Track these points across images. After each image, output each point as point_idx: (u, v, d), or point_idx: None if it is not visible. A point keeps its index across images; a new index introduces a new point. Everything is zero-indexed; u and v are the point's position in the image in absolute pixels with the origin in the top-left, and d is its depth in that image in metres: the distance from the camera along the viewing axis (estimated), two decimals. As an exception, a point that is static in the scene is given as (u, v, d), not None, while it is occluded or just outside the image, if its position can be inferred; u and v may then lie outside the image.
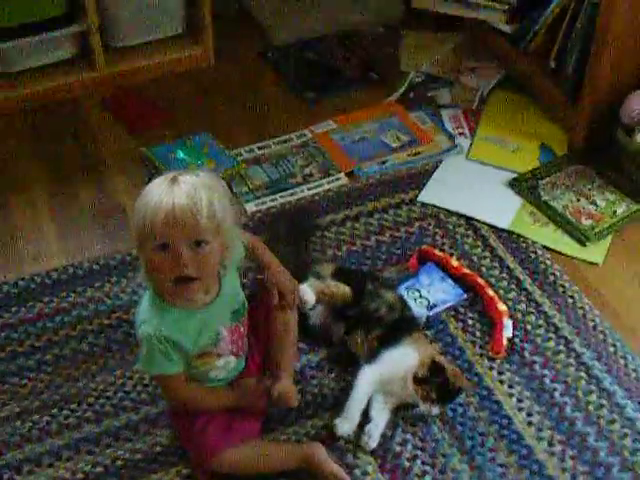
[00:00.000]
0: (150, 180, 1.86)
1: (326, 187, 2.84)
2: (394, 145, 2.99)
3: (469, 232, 2.66)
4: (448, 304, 2.42)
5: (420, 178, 2.86)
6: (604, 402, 2.21)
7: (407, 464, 2.08)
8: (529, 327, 2.39)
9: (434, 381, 2.12)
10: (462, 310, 2.43)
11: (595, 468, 2.07)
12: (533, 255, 2.59)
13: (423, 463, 2.08)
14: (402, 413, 2.17)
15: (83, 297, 2.48)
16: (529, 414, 2.18)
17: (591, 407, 2.20)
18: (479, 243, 2.62)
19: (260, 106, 3.18)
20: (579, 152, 2.90)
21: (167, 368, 1.93)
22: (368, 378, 2.16)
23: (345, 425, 2.11)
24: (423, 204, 2.76)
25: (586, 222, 2.68)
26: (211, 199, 1.81)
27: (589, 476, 2.05)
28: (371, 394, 2.16)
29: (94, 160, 2.95)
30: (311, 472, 2.02)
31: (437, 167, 2.90)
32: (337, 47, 3.44)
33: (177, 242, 1.78)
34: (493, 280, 2.51)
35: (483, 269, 2.54)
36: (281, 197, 2.80)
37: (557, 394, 2.23)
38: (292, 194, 2.82)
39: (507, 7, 3.06)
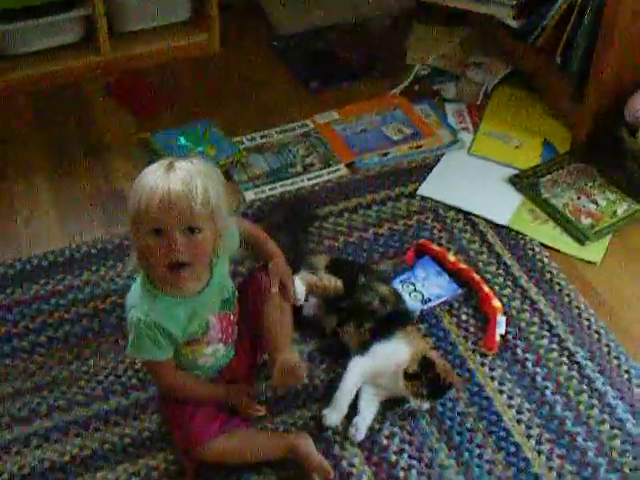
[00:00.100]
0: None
1: (326, 178, 2.83)
2: (396, 138, 2.98)
3: (467, 227, 2.65)
4: (443, 299, 2.42)
5: (421, 171, 2.85)
6: (595, 402, 2.20)
7: (394, 457, 2.08)
8: (523, 324, 2.38)
9: (425, 377, 2.11)
10: (456, 305, 2.42)
11: (582, 468, 2.06)
12: (531, 252, 2.58)
13: (410, 457, 2.08)
14: (391, 407, 2.17)
15: (79, 280, 2.49)
16: (519, 411, 2.17)
17: (582, 407, 2.19)
18: (477, 238, 2.61)
19: (264, 95, 3.17)
20: (582, 150, 2.89)
21: (155, 354, 1.93)
22: (358, 370, 2.16)
23: (333, 416, 2.11)
24: (422, 197, 2.75)
25: (586, 221, 2.66)
26: (206, 186, 1.81)
27: (576, 476, 2.04)
28: (360, 386, 2.16)
29: (96, 144, 2.96)
30: (297, 462, 2.02)
31: (438, 161, 2.89)
32: (343, 38, 3.43)
33: (171, 227, 1.79)
34: (489, 276, 2.50)
35: (480, 265, 2.54)
36: (281, 186, 2.80)
37: (548, 392, 2.22)
38: (292, 183, 2.81)
39: (515, 2, 3.04)
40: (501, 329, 2.33)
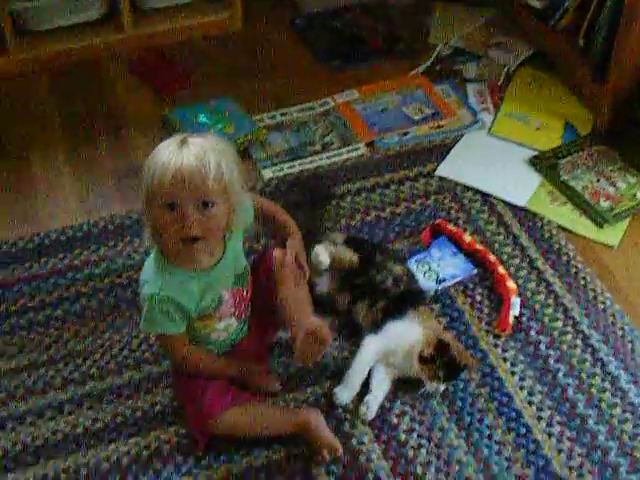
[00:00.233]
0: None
1: (345, 156, 2.83)
2: (416, 117, 2.97)
3: (484, 208, 2.64)
4: (457, 279, 2.41)
5: (440, 151, 2.84)
6: (607, 385, 2.19)
7: (403, 436, 2.08)
8: (538, 306, 2.37)
9: (440, 360, 2.11)
10: (471, 286, 2.42)
11: (592, 451, 2.05)
12: (548, 234, 2.57)
13: (419, 436, 2.08)
14: (403, 387, 2.17)
15: (96, 255, 2.51)
16: (530, 393, 2.17)
17: (594, 390, 2.18)
18: (494, 219, 2.60)
19: (285, 73, 3.17)
20: (603, 133, 2.86)
21: (169, 328, 1.95)
22: (371, 348, 2.16)
23: (344, 394, 2.12)
24: (441, 178, 2.74)
25: (605, 204, 2.64)
26: (219, 161, 1.82)
27: (585, 459, 2.04)
28: (373, 365, 2.16)
29: (116, 121, 2.98)
30: (307, 439, 2.03)
31: (458, 141, 2.87)
32: (366, 17, 3.42)
33: (184, 202, 1.79)
34: (505, 257, 2.49)
35: (496, 246, 2.53)
36: (299, 165, 2.80)
37: (560, 375, 2.21)
38: (310, 162, 2.81)
39: (539, -18, 3.02)
40: (515, 310, 2.32)
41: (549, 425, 2.10)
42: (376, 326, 2.20)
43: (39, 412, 2.13)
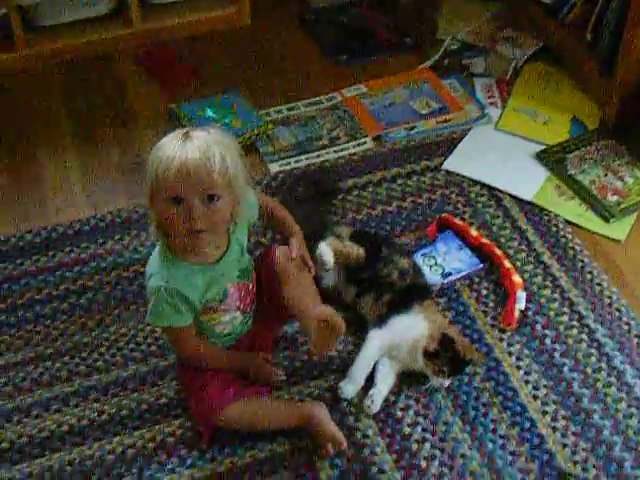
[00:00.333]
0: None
1: (352, 151, 2.83)
2: (423, 112, 2.96)
3: (491, 202, 2.64)
4: (463, 273, 2.41)
5: (447, 146, 2.83)
6: (613, 380, 2.18)
7: (408, 430, 2.08)
8: (543, 300, 2.36)
9: (445, 355, 2.11)
10: (477, 280, 2.42)
11: (597, 446, 2.05)
12: (554, 228, 2.56)
13: (424, 430, 2.08)
14: (408, 381, 2.17)
15: (103, 249, 2.52)
16: (535, 388, 2.17)
17: (599, 384, 2.17)
18: (500, 214, 2.60)
19: (292, 68, 3.17)
20: (611, 127, 2.85)
21: (175, 321, 1.95)
22: (375, 343, 2.17)
23: (349, 388, 2.12)
24: (447, 172, 2.74)
25: (612, 198, 2.63)
26: (223, 154, 1.82)
27: (590, 453, 2.04)
28: (377, 358, 2.16)
29: (124, 115, 2.98)
30: (311, 432, 2.03)
31: (465, 135, 2.87)
32: (373, 11, 3.41)
33: (189, 196, 1.80)
34: (511, 252, 2.49)
35: (502, 240, 2.52)
36: (306, 159, 2.80)
37: (566, 369, 2.21)
38: (317, 156, 2.81)
39: (547, -23, 3.01)
40: (521, 305, 2.32)
41: (554, 419, 2.10)
42: (381, 320, 2.20)
43: (45, 404, 2.14)
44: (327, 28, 3.33)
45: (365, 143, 2.86)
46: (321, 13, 3.41)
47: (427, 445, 2.05)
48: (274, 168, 2.76)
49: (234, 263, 2.01)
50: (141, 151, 2.82)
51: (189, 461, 2.02)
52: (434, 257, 2.44)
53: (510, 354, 2.24)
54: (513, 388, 2.16)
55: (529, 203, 2.64)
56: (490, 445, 2.05)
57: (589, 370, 2.20)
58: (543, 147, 2.81)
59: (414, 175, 2.73)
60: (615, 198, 2.63)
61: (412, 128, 2.91)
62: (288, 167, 2.76)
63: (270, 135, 2.87)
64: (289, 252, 2.10)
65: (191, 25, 3.29)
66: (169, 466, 2.02)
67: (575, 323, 2.31)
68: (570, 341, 2.27)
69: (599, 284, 2.41)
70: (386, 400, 2.13)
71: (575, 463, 2.02)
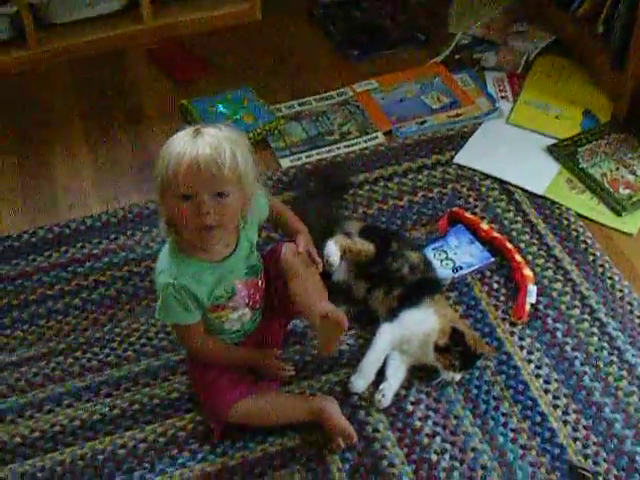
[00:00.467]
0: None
1: (363, 145, 2.83)
2: (434, 106, 2.96)
3: (502, 196, 2.63)
4: (474, 267, 2.41)
5: (458, 140, 2.83)
6: (624, 374, 2.18)
7: (418, 424, 2.08)
8: (555, 294, 2.36)
9: (456, 349, 2.11)
10: (488, 274, 2.41)
11: (608, 440, 2.04)
12: (566, 222, 2.55)
13: (434, 424, 2.08)
14: (419, 375, 2.17)
15: (115, 244, 2.53)
16: (546, 381, 2.16)
17: (610, 378, 2.17)
18: (511, 207, 2.59)
19: (303, 63, 3.18)
20: (622, 120, 2.84)
21: (184, 318, 1.96)
22: (386, 337, 2.17)
23: (360, 382, 2.12)
24: (459, 166, 2.74)
25: (624, 192, 2.62)
26: (234, 151, 1.82)
27: (601, 448, 2.03)
28: (388, 353, 2.16)
29: (135, 111, 3.00)
30: (321, 426, 2.04)
31: (476, 130, 2.86)
32: (384, 6, 3.41)
33: (200, 192, 1.81)
34: (523, 245, 2.48)
35: (513, 234, 2.52)
36: (317, 154, 2.80)
37: (577, 363, 2.20)
38: (329, 151, 2.81)
39: (559, -31, 3.00)
40: (532, 298, 2.31)
41: (565, 413, 2.10)
42: (392, 314, 2.20)
43: (57, 399, 2.16)
44: (338, 23, 3.33)
45: (376, 138, 2.85)
46: (329, 8, 3.40)
47: (438, 439, 2.05)
48: (285, 163, 2.76)
49: (243, 260, 2.01)
50: (153, 147, 2.82)
51: (200, 455, 2.03)
52: (445, 251, 2.44)
53: (521, 348, 2.23)
54: (524, 382, 2.16)
55: (540, 197, 2.63)
56: (501, 439, 2.05)
57: (600, 364, 2.20)
58: (554, 141, 2.80)
59: (425, 169, 2.73)
60: (627, 192, 2.62)
61: (423, 122, 2.91)
62: (299, 162, 2.77)
63: (281, 130, 2.87)
64: (295, 248, 2.10)
65: (202, 21, 3.30)
66: (180, 460, 2.03)
67: (586, 317, 2.31)
68: (581, 335, 2.26)
69: (610, 278, 2.40)
70: (397, 394, 2.13)
71: (586, 457, 2.01)
